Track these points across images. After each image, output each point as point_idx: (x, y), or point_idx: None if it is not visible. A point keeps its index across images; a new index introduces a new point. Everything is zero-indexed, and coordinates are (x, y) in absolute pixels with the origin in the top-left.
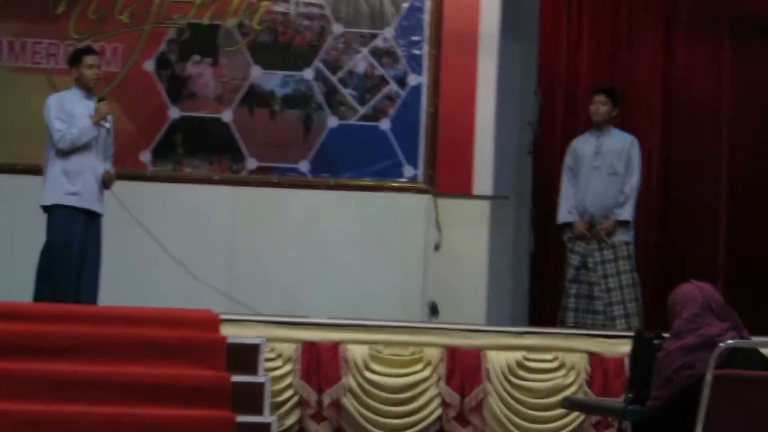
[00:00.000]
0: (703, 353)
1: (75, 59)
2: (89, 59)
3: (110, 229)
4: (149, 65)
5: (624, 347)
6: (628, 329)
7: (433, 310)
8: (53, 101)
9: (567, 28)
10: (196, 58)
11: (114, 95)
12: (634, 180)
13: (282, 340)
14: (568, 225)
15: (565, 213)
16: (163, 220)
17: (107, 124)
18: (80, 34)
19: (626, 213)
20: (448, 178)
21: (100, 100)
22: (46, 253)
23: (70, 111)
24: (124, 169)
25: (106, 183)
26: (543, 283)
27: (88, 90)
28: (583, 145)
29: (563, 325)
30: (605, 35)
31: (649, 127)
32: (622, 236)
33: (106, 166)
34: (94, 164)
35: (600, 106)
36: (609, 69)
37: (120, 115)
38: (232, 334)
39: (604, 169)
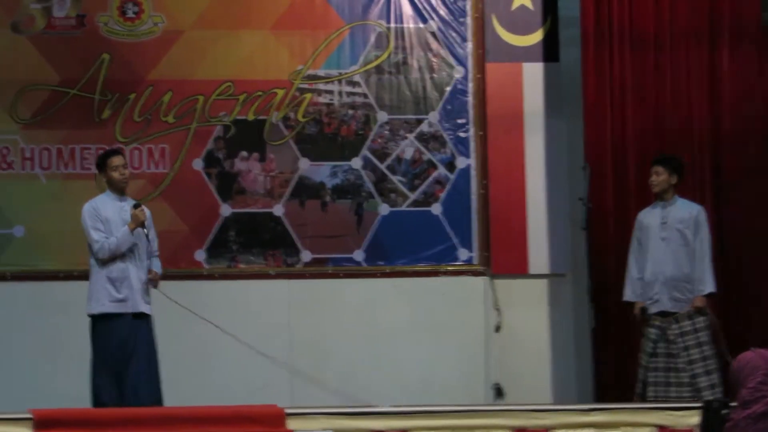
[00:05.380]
0: None
1: (101, 164)
2: (114, 161)
3: (168, 330)
4: (198, 164)
5: (693, 419)
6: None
7: (498, 393)
8: (88, 210)
9: (611, 100)
10: (244, 154)
11: (164, 196)
12: (705, 249)
13: (349, 430)
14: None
15: (629, 293)
16: (221, 317)
17: (145, 230)
18: (126, 137)
19: (710, 286)
20: (503, 259)
21: (136, 206)
22: (99, 359)
23: (105, 217)
24: (179, 269)
25: (152, 282)
26: (606, 359)
27: (119, 192)
28: (648, 216)
29: (643, 399)
30: (649, 106)
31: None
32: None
33: (152, 264)
34: (136, 269)
35: (655, 177)
36: (657, 139)
37: (172, 215)
38: (299, 427)
39: (673, 240)
